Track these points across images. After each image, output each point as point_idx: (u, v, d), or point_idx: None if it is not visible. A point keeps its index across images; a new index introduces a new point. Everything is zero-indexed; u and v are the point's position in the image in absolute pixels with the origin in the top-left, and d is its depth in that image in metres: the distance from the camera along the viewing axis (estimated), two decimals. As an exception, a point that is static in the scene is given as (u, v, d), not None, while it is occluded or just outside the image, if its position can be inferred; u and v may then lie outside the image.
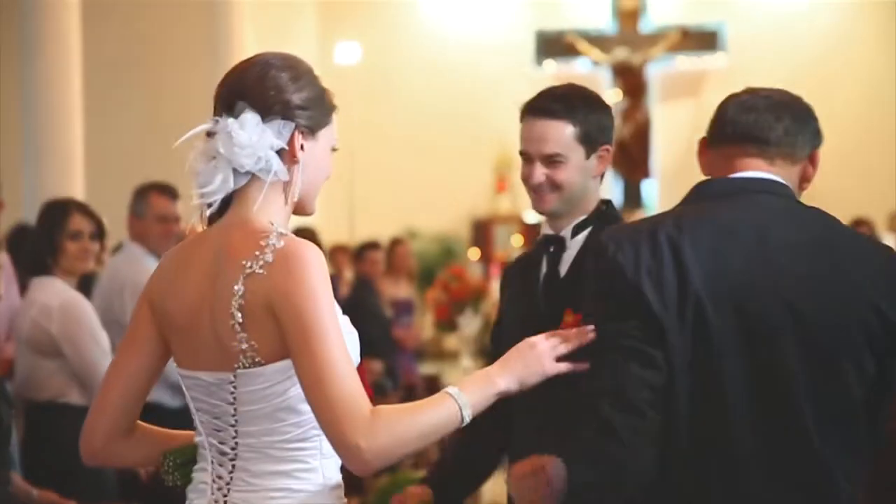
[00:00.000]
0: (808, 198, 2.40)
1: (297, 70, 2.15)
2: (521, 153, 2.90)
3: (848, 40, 14.15)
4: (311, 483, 2.11)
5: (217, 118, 2.12)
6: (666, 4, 14.43)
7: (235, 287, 2.04)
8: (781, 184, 2.30)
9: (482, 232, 14.04)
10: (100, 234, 4.58)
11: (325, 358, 1.98)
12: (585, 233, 2.88)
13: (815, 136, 2.34)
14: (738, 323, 2.17)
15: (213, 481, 2.14)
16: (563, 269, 2.88)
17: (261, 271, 2.03)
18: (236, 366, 2.07)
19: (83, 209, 4.62)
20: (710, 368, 2.17)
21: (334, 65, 13.66)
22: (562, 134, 2.84)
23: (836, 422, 2.20)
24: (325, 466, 2.12)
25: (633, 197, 14.16)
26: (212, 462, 2.15)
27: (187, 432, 2.28)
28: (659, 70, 14.47)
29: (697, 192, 2.33)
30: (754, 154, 2.29)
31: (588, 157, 2.86)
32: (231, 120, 2.09)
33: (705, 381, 2.17)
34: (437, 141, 14.12)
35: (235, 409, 2.10)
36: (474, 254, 13.08)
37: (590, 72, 14.13)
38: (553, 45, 14.42)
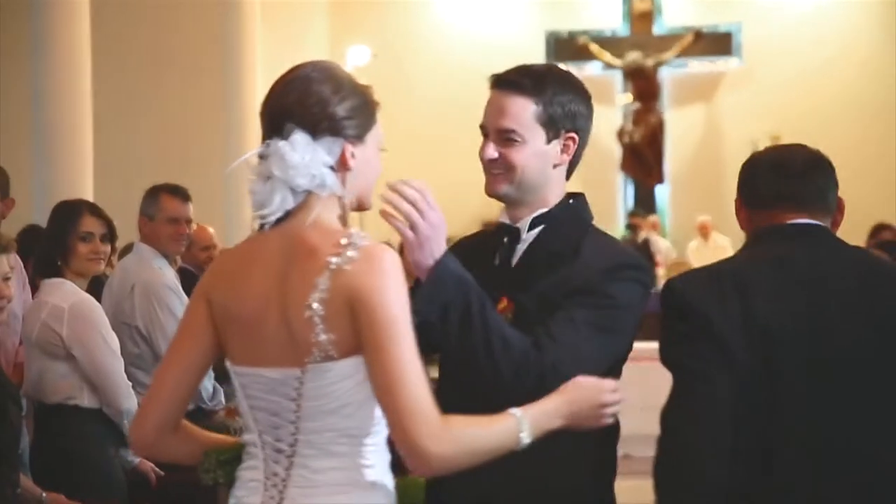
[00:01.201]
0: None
1: (338, 80, 2.21)
2: (481, 127, 2.67)
3: (863, 42, 14.09)
4: (368, 478, 2.13)
5: (268, 141, 2.16)
6: (679, 7, 14.40)
7: (317, 280, 2.06)
8: (827, 228, 2.51)
9: (493, 235, 14.00)
10: (110, 235, 4.57)
11: (400, 359, 2.02)
12: (542, 227, 2.61)
13: (836, 186, 2.55)
14: (802, 353, 2.33)
15: (268, 478, 2.15)
16: (515, 261, 2.62)
17: (347, 267, 2.06)
18: (307, 360, 2.09)
19: (94, 210, 4.62)
20: (773, 395, 2.32)
21: (346, 68, 13.67)
22: (521, 111, 2.59)
23: None
24: (380, 462, 2.15)
25: (645, 201, 14.12)
26: (264, 460, 2.16)
27: (228, 437, 2.35)
28: (672, 73, 14.44)
29: (756, 237, 2.51)
30: (794, 208, 2.48)
31: (549, 141, 2.59)
32: (282, 142, 2.14)
33: (768, 407, 2.32)
34: (447, 143, 14.11)
35: (298, 405, 2.11)
36: (485, 257, 13.05)
37: (602, 75, 14.12)
38: (565, 48, 14.42)
